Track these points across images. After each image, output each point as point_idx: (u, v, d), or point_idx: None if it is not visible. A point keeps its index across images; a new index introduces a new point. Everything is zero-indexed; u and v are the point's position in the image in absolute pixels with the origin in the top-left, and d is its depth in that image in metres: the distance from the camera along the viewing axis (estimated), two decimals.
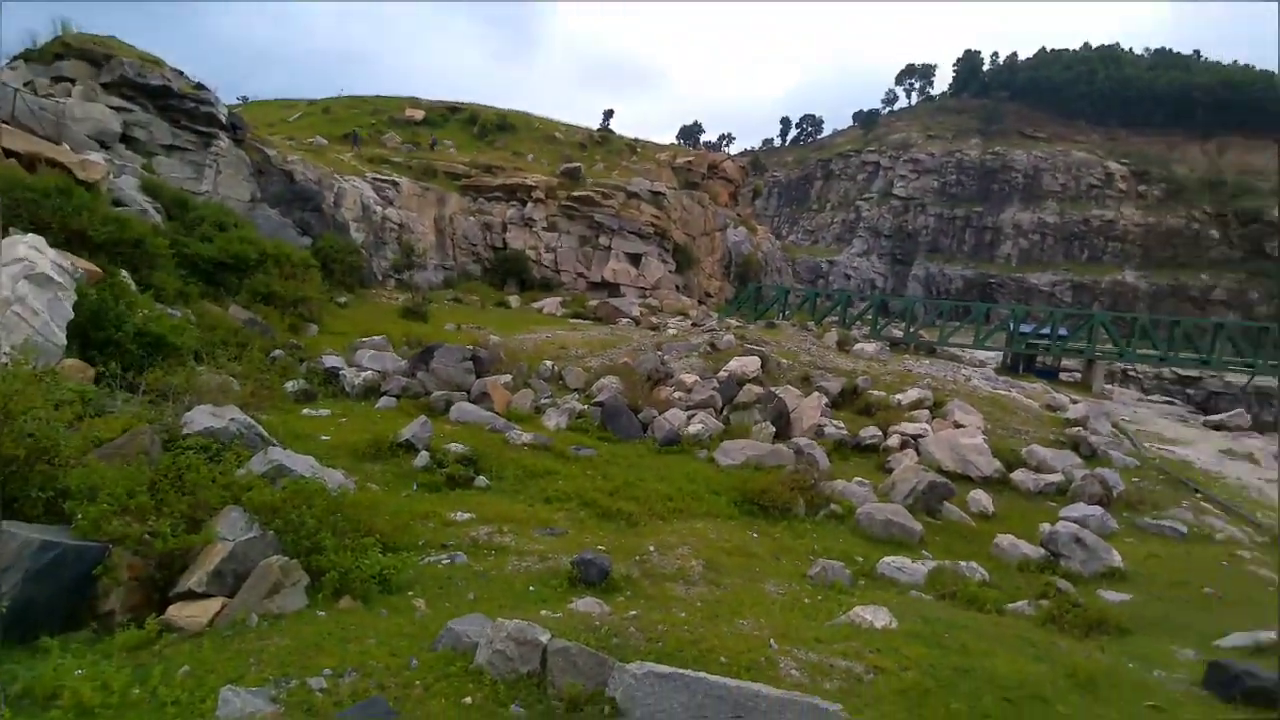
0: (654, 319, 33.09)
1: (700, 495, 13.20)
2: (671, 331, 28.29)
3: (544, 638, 5.84)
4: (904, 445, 17.43)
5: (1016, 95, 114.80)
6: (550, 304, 35.27)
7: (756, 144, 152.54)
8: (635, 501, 12.50)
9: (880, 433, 18.25)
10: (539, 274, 40.15)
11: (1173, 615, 10.38)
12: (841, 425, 18.70)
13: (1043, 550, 12.14)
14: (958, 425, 18.91)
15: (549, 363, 20.92)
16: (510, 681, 5.70)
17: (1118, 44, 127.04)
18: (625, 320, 32.51)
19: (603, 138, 55.70)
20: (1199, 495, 17.67)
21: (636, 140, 57.18)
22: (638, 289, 41.28)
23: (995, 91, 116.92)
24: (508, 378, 18.61)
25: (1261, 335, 39.94)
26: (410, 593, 7.94)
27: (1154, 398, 45.71)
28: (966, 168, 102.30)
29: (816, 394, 20.17)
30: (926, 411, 20.13)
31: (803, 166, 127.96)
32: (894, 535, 12.36)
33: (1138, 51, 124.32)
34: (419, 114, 51.29)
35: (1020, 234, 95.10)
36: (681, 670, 5.25)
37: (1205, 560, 12.94)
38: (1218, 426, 32.12)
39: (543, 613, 7.29)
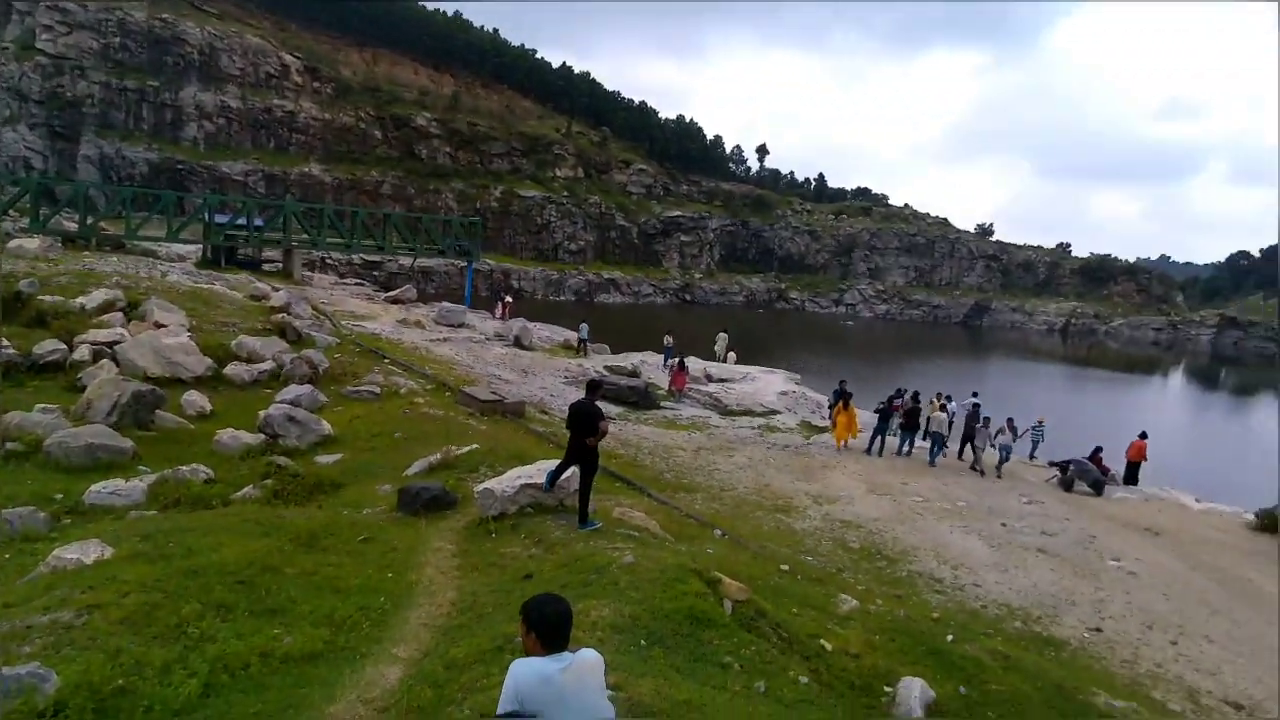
0: None
1: None
2: None
3: None
4: (98, 356, 15.31)
5: None
6: None
7: None
8: None
9: (64, 346, 15.53)
10: None
11: (374, 461, 12.51)
12: (6, 343, 15.10)
13: (262, 435, 12.77)
14: (159, 326, 17.58)
15: None
16: None
17: None
18: None
19: None
20: (386, 360, 21.23)
21: None
22: None
23: None
24: None
25: (417, 224, 49.55)
26: None
27: (348, 281, 51.78)
28: (132, 31, 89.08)
29: None
30: (120, 314, 18.03)
31: None
32: (100, 459, 11.09)
33: None
34: None
35: (204, 116, 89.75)
36: None
37: (394, 412, 15.83)
38: (394, 300, 38.85)
39: None
